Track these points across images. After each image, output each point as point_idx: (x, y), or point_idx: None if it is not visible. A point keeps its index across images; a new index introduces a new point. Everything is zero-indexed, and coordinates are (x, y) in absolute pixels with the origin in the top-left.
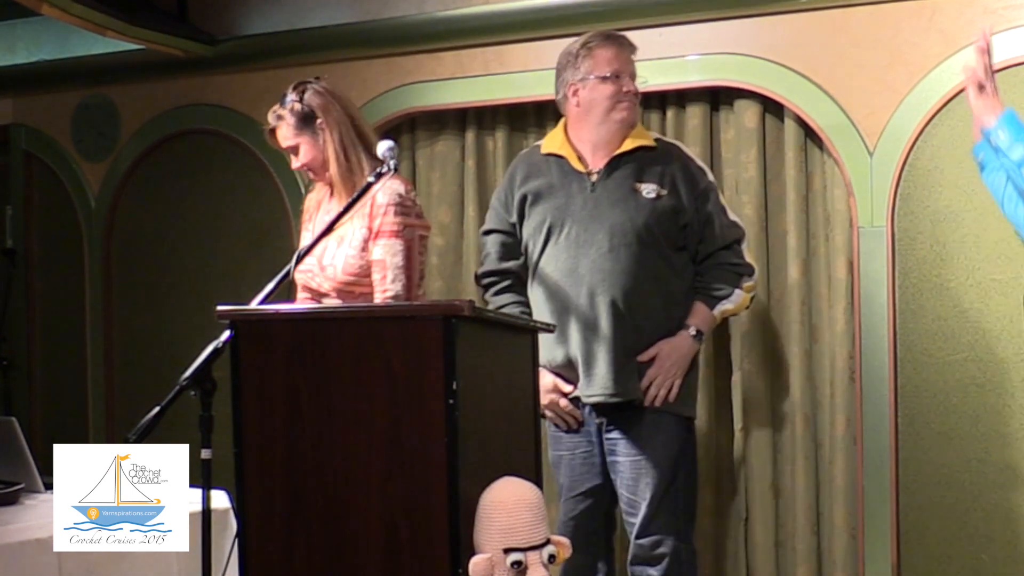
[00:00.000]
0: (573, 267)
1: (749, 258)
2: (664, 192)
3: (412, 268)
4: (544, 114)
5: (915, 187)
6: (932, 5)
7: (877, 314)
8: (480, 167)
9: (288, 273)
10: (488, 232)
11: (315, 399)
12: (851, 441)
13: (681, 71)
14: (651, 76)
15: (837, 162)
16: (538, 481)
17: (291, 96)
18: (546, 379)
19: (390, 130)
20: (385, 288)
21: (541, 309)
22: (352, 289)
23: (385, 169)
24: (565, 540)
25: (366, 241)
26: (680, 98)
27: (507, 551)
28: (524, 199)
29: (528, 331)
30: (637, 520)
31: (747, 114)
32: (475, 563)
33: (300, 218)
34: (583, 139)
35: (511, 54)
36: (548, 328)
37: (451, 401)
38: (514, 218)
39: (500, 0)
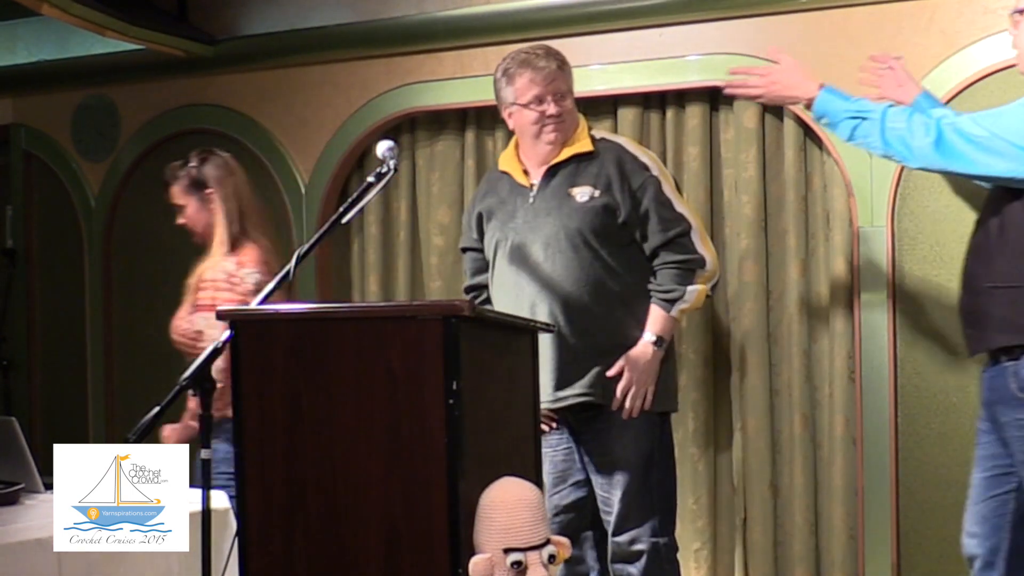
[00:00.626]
0: (515, 280)
1: (702, 248)
2: (597, 193)
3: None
4: None
5: (915, 187)
6: (932, 5)
7: (877, 314)
8: (480, 167)
9: (288, 273)
10: (463, 250)
11: (315, 399)
12: (850, 441)
13: (681, 71)
14: (651, 76)
15: (837, 162)
16: (538, 481)
17: (193, 161)
18: None
19: (390, 130)
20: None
21: None
22: (193, 346)
23: (385, 169)
24: (565, 540)
25: (193, 308)
26: (680, 98)
27: (507, 551)
28: (480, 217)
29: (528, 331)
30: (612, 518)
31: (747, 114)
32: (475, 563)
33: (300, 218)
34: (528, 156)
35: None
36: (548, 328)
37: (451, 401)
38: (475, 234)
39: (500, 0)
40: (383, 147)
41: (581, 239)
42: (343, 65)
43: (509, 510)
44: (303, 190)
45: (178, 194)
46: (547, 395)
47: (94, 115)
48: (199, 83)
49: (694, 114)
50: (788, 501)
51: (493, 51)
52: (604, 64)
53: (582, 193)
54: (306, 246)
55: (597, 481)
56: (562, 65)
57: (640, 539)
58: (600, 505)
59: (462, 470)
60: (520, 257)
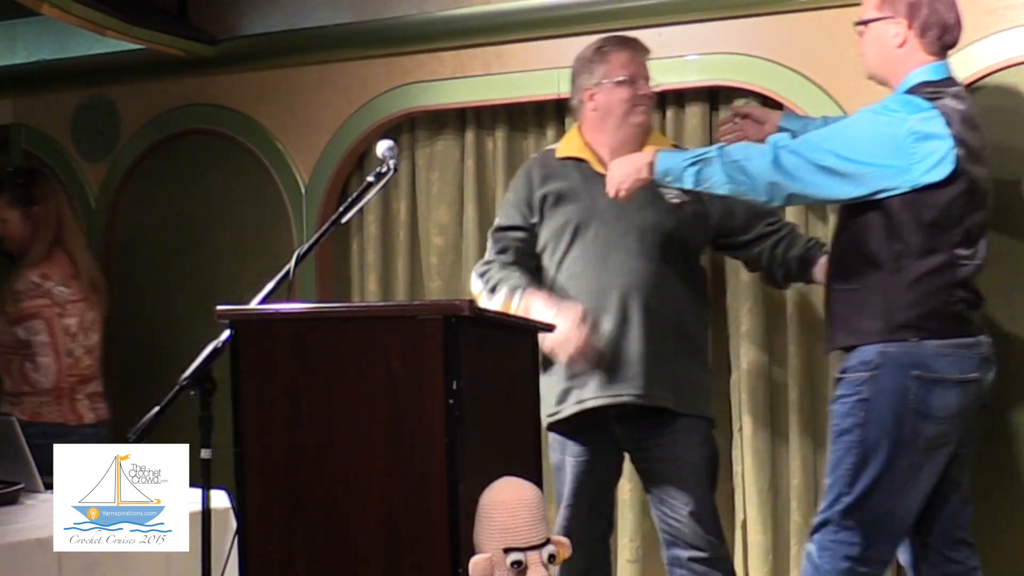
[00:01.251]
0: (602, 268)
1: None
2: (687, 198)
3: (56, 341)
4: (544, 114)
5: None
6: None
7: None
8: (480, 167)
9: (288, 273)
10: (503, 228)
11: (315, 399)
12: None
13: (681, 71)
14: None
15: None
16: (538, 481)
17: (20, 178)
18: (567, 315)
19: (390, 130)
20: (37, 362)
21: None
22: (16, 355)
23: (385, 169)
24: (565, 540)
25: (9, 323)
26: (679, 98)
27: (507, 551)
28: (544, 200)
29: (528, 331)
30: (686, 527)
31: None
32: (475, 563)
33: (300, 218)
34: (602, 143)
35: (511, 54)
36: (548, 328)
37: (451, 401)
38: (535, 217)
39: (500, 0)
40: (383, 147)
41: (674, 239)
42: (343, 65)
43: (509, 510)
44: (303, 190)
45: (1, 207)
46: (634, 388)
47: (94, 115)
48: (199, 83)
49: (694, 114)
50: (788, 501)
51: (493, 51)
52: None
53: (672, 195)
54: (306, 246)
55: (660, 488)
56: (647, 57)
57: (718, 546)
58: (665, 511)
59: (462, 470)
60: (610, 245)
